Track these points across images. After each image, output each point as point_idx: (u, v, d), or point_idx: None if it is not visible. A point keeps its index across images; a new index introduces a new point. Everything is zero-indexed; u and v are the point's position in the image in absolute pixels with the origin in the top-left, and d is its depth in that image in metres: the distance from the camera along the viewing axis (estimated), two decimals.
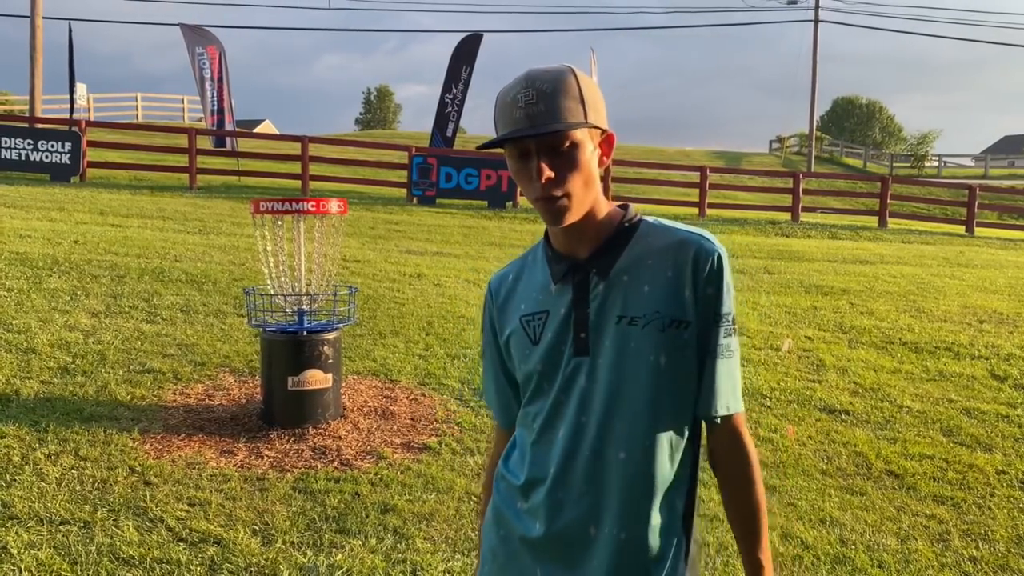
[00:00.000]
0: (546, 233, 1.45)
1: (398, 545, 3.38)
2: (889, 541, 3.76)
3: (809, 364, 6.96)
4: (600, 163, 1.37)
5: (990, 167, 38.32)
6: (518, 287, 1.48)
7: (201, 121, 27.96)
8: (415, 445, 4.48)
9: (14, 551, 3.06)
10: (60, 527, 3.28)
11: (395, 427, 4.71)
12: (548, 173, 1.30)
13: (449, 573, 3.16)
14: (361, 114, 73.73)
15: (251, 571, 3.08)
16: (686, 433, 1.38)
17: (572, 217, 1.33)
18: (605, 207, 1.40)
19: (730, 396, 1.37)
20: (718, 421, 1.38)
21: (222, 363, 5.51)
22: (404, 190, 16.72)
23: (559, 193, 1.31)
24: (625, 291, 1.36)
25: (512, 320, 1.46)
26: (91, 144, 16.33)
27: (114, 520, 3.38)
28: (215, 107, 18.20)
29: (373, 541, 3.39)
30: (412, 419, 4.86)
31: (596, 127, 1.34)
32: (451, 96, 17.65)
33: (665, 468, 1.35)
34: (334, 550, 3.29)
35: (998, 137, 70.06)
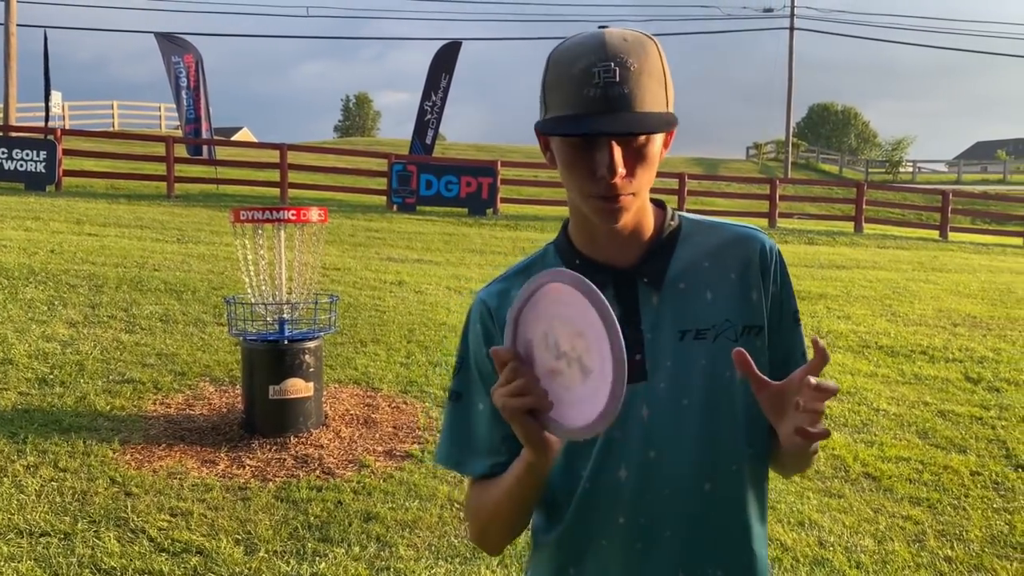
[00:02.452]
0: (566, 238, 1.23)
1: (381, 553, 3.39)
2: (867, 542, 3.82)
3: None
4: (662, 156, 1.17)
5: (963, 172, 38.87)
6: None
7: (178, 128, 27.80)
8: (397, 453, 4.49)
9: None
10: (40, 539, 3.26)
11: (377, 435, 4.71)
12: (623, 170, 1.09)
13: None
14: (340, 121, 73.60)
15: None
16: (767, 447, 1.19)
17: (630, 218, 1.15)
18: (649, 207, 1.21)
19: None
20: None
21: (202, 373, 5.49)
22: (384, 197, 16.70)
23: (629, 191, 1.11)
24: (684, 301, 1.17)
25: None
26: (67, 152, 16.18)
27: (95, 531, 3.36)
28: (192, 116, 18.10)
29: (356, 549, 3.39)
30: (394, 427, 4.86)
31: (675, 117, 1.14)
32: (430, 104, 17.67)
33: (754, 493, 1.20)
34: (317, 559, 3.30)
35: (972, 143, 71.05)
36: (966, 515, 4.27)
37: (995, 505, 4.44)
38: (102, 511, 3.54)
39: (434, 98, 17.60)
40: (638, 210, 1.16)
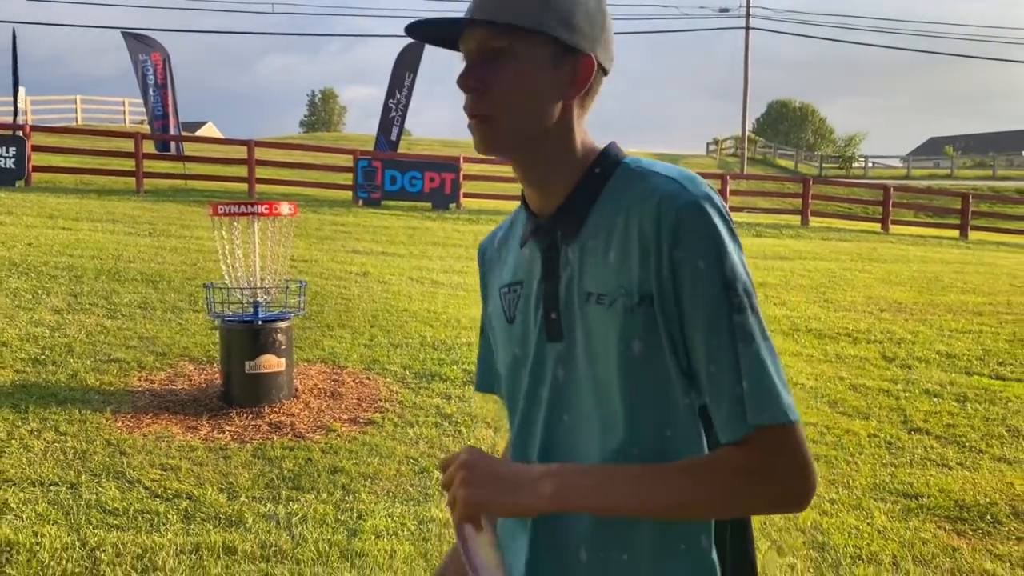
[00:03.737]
0: None
1: (346, 498, 3.95)
2: None
3: None
4: (565, 92, 1.04)
5: (913, 168, 40.16)
6: (503, 250, 1.20)
7: (143, 123, 27.91)
8: (360, 420, 5.05)
9: (14, 506, 3.56)
10: (50, 488, 3.79)
11: (343, 405, 5.27)
12: (471, 83, 1.02)
13: (390, 517, 3.75)
14: (305, 116, 73.52)
15: (220, 519, 3.63)
16: (689, 435, 1.02)
17: (498, 147, 1.04)
18: (579, 149, 1.07)
19: (746, 400, 0.95)
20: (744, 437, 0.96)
21: (182, 353, 6.00)
22: (350, 192, 17.16)
23: (481, 111, 1.03)
24: (591, 260, 1.05)
25: (493, 292, 1.19)
26: (35, 148, 16.42)
27: (97, 482, 3.89)
28: (160, 112, 18.40)
29: (324, 495, 3.96)
30: (358, 399, 5.42)
31: (554, 39, 1.02)
32: (395, 102, 18.16)
33: None
34: (291, 502, 3.85)
35: (926, 138, 72.98)
36: (856, 468, 4.93)
37: (884, 460, 5.11)
38: (101, 466, 4.06)
39: (399, 96, 18.09)
40: (538, 149, 1.06)
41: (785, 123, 60.85)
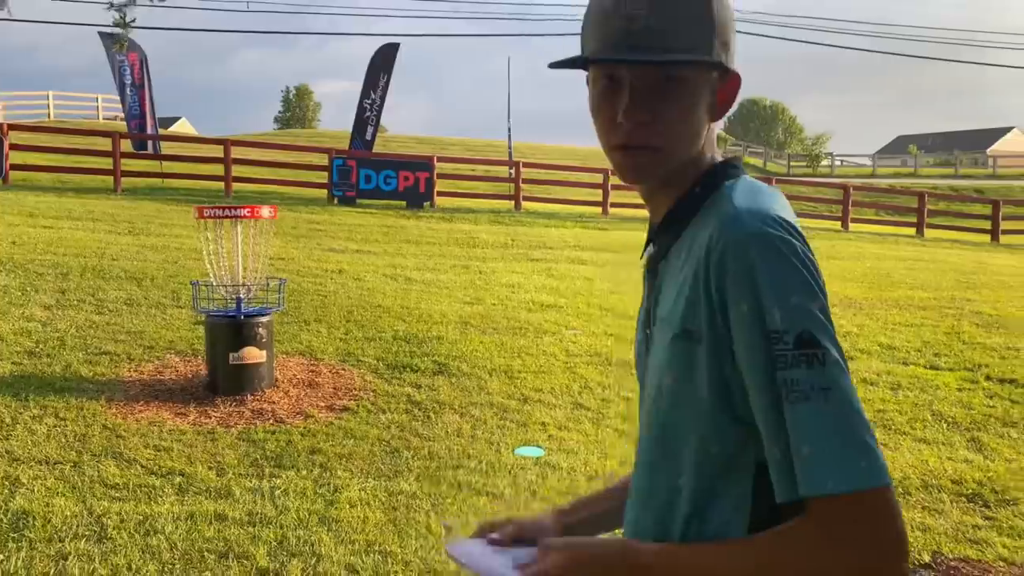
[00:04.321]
0: None
1: (323, 474, 4.39)
2: None
3: None
4: (714, 113, 1.04)
5: (879, 166, 41.14)
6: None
7: (117, 119, 28.00)
8: (337, 407, 5.48)
9: (25, 481, 3.97)
10: (55, 466, 4.19)
11: (320, 394, 5.70)
12: (641, 115, 0.99)
13: (363, 490, 4.19)
14: (280, 112, 73.41)
15: (211, 492, 4.06)
16: (710, 495, 0.99)
17: (655, 175, 1.03)
18: (698, 167, 1.05)
19: (805, 466, 0.88)
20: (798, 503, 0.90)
21: (168, 347, 6.40)
22: (325, 191, 17.51)
23: (649, 142, 1.00)
24: (668, 282, 1.04)
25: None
26: (12, 147, 16.61)
27: (97, 461, 4.30)
28: (137, 112, 18.63)
29: (304, 472, 4.40)
30: (334, 388, 5.86)
31: (719, 64, 1.02)
32: (370, 102, 18.53)
33: (676, 522, 1.02)
34: (274, 478, 4.29)
35: (894, 137, 74.39)
36: None
37: None
38: (100, 447, 4.47)
39: (373, 96, 18.46)
40: (672, 169, 1.03)
41: (756, 121, 61.84)
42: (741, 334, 0.91)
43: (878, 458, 0.87)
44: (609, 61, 1.00)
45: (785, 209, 0.99)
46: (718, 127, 1.12)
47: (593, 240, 15.30)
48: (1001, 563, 3.91)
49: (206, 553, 3.39)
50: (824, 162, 39.13)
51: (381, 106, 18.62)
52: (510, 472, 4.55)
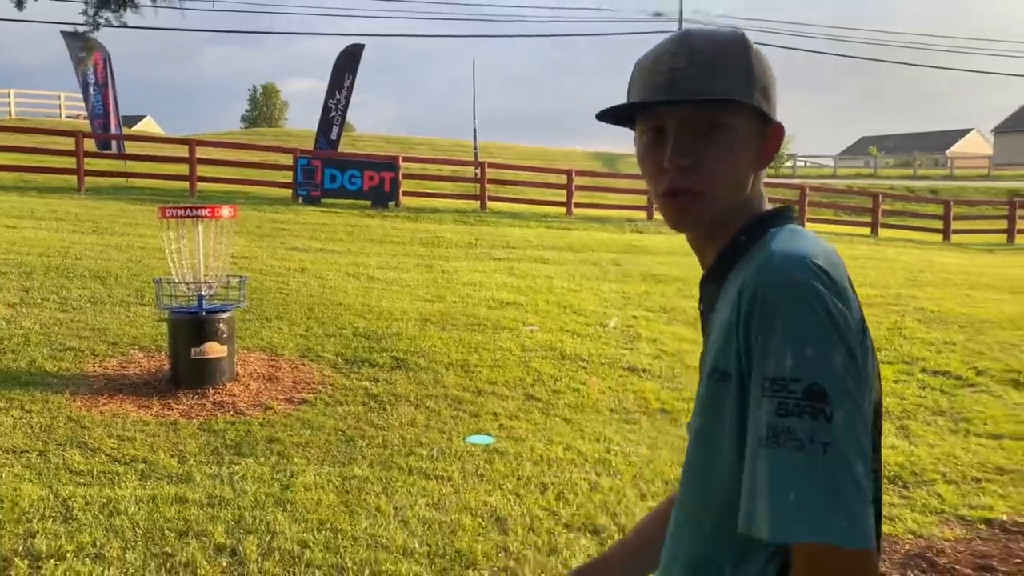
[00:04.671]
0: None
1: (280, 461, 4.62)
2: (642, 450, 5.25)
3: (628, 337, 8.51)
4: (759, 161, 1.08)
5: (841, 167, 41.97)
6: None
7: (80, 117, 27.80)
8: (295, 399, 5.70)
9: None
10: (22, 455, 4.38)
11: (279, 387, 5.92)
12: (684, 160, 1.03)
13: (318, 475, 4.43)
14: (247, 111, 72.94)
15: (172, 477, 4.27)
16: (734, 544, 0.98)
17: (700, 223, 1.06)
18: (745, 215, 1.08)
19: (771, 510, 0.88)
20: (763, 544, 0.94)
21: (131, 343, 6.57)
22: (290, 191, 17.63)
23: (693, 188, 1.04)
24: (709, 326, 1.08)
25: None
26: None
27: (62, 450, 4.49)
28: (100, 111, 18.60)
29: (262, 459, 4.62)
30: (293, 382, 6.07)
31: (761, 110, 1.06)
32: (335, 102, 18.68)
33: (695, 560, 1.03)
34: (233, 465, 4.51)
35: (857, 138, 75.73)
36: None
37: None
38: (65, 437, 4.66)
39: (338, 96, 18.61)
40: (717, 217, 1.06)
41: None
42: (755, 376, 0.91)
43: (863, 524, 0.86)
44: (651, 105, 1.04)
45: (826, 257, 0.96)
46: (763, 177, 1.12)
47: (556, 240, 15.59)
48: (909, 535, 4.25)
49: (167, 531, 3.61)
50: (787, 163, 39.82)
51: (346, 106, 18.78)
52: (459, 458, 4.81)
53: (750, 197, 1.08)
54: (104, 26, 9.21)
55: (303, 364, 6.48)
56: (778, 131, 1.10)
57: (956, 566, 3.86)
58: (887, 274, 13.73)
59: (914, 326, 9.52)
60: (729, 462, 0.97)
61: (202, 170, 17.53)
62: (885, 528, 4.33)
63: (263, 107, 72.00)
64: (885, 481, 5.08)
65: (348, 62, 18.63)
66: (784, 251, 0.96)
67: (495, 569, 3.47)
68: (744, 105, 1.04)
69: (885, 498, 4.80)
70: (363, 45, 18.75)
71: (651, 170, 1.07)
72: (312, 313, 7.98)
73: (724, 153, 1.04)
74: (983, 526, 4.42)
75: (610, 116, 1.10)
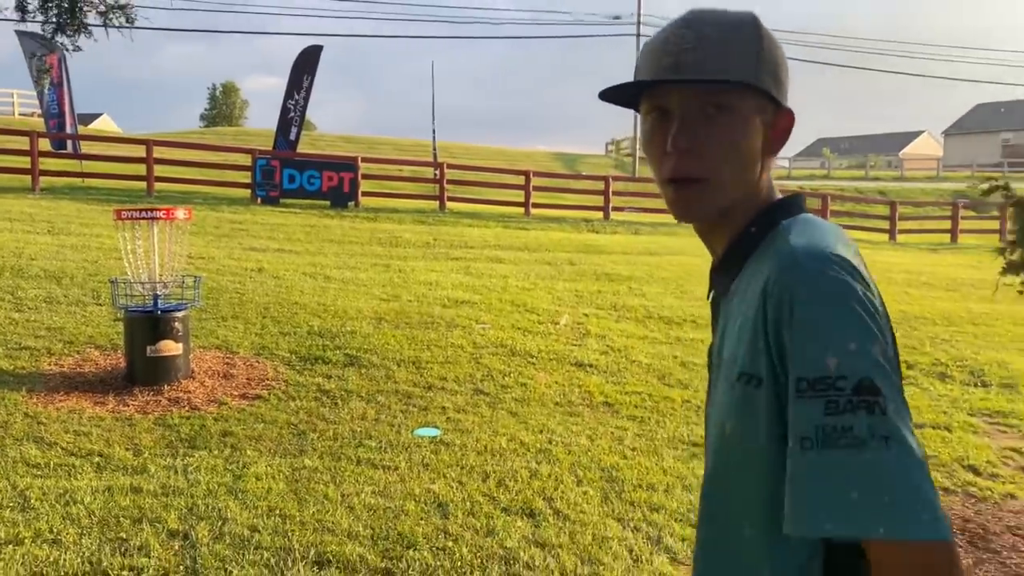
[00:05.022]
0: None
1: (234, 454, 4.81)
2: (582, 440, 5.53)
3: (578, 333, 8.79)
4: (768, 148, 1.04)
5: (797, 168, 42.85)
6: None
7: (34, 115, 27.43)
8: (249, 395, 5.89)
9: None
10: None
11: (234, 384, 6.09)
12: (686, 142, 1.00)
13: (269, 466, 4.63)
14: (206, 110, 72.20)
15: (127, 469, 4.44)
16: (775, 546, 0.94)
17: (705, 212, 1.03)
18: (754, 204, 1.04)
19: (813, 508, 0.85)
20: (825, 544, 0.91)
21: (88, 341, 6.69)
22: (248, 191, 17.67)
23: (695, 173, 1.00)
24: (730, 323, 1.02)
25: None
26: None
27: (19, 445, 4.63)
28: (56, 111, 18.46)
29: (216, 452, 4.81)
30: (248, 378, 6.25)
31: (768, 94, 1.02)
32: (293, 102, 18.75)
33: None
34: (187, 457, 4.69)
35: (814, 139, 77.17)
36: (663, 425, 6.05)
37: (689, 420, 6.25)
38: (22, 433, 4.80)
39: (297, 97, 18.69)
40: (724, 207, 1.02)
41: None
42: (792, 378, 0.87)
43: (940, 514, 0.82)
44: (656, 84, 1.02)
45: (844, 246, 0.94)
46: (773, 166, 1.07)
47: (513, 240, 15.86)
48: None
49: (121, 519, 3.79)
50: None
51: (305, 107, 18.86)
52: (406, 450, 5.04)
53: (758, 186, 1.04)
54: (61, 48, 9.31)
55: (258, 361, 6.66)
56: (788, 117, 1.05)
57: None
58: None
59: None
60: (770, 465, 0.92)
61: (160, 170, 17.50)
62: None
63: (223, 106, 71.33)
64: None
65: (306, 63, 18.72)
66: (804, 246, 0.92)
67: (434, 549, 3.71)
68: (751, 88, 1.01)
69: None
70: (322, 46, 18.85)
71: (655, 153, 1.04)
72: (268, 312, 8.15)
73: (729, 137, 1.00)
74: None
75: (615, 96, 1.07)
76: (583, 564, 3.68)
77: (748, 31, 1.02)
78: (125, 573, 3.31)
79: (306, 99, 18.77)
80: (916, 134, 69.65)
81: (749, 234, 1.02)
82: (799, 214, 1.02)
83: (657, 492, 4.71)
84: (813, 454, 0.85)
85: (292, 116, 18.92)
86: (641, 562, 3.77)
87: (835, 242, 0.94)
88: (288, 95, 18.79)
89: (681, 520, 4.31)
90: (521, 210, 19.37)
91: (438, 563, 3.58)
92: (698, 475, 5.12)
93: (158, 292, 5.99)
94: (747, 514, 0.97)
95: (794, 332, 0.88)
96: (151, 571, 3.34)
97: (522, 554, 3.72)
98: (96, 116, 53.34)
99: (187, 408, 5.52)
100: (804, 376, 0.86)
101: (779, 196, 1.07)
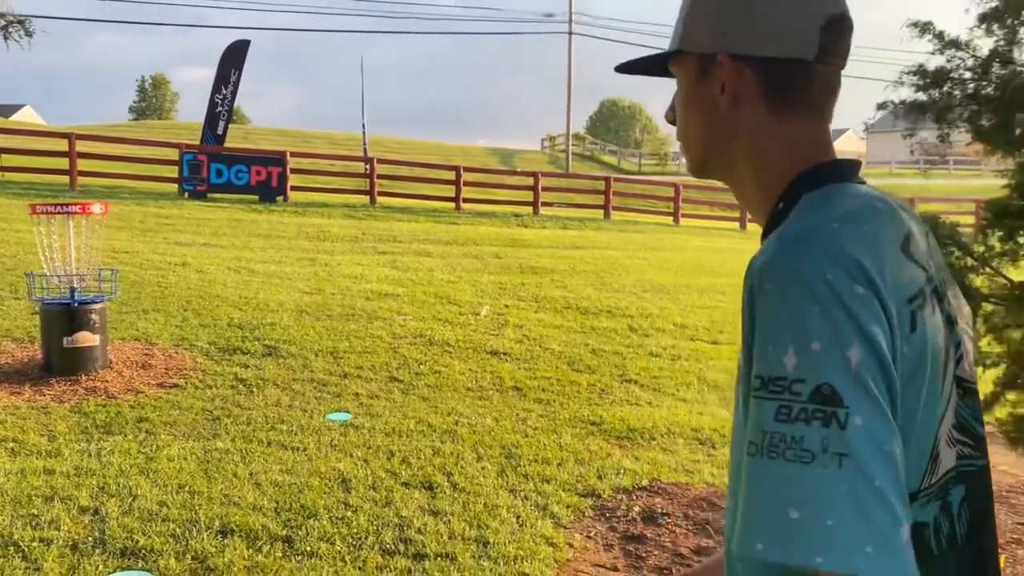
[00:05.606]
0: None
1: (148, 438, 5.01)
2: (488, 421, 5.87)
3: (496, 324, 9.13)
4: (720, 104, 0.94)
5: None
6: None
7: None
8: (167, 384, 6.07)
9: None
10: None
11: (152, 374, 6.26)
12: (667, 113, 1.03)
13: (182, 448, 4.85)
14: (135, 102, 70.53)
15: (42, 453, 4.62)
16: None
17: (694, 172, 1.01)
18: (775, 172, 0.93)
19: (748, 523, 0.77)
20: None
21: (4, 334, 6.76)
22: (176, 185, 17.56)
23: (678, 138, 1.01)
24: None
25: None
26: None
27: None
28: None
29: (130, 436, 5.00)
30: (166, 368, 6.43)
31: (696, 53, 0.95)
32: (221, 97, 18.68)
33: None
34: (102, 442, 4.88)
35: None
36: (565, 407, 6.43)
37: (592, 402, 6.64)
38: None
39: (224, 92, 18.62)
40: (728, 174, 0.97)
41: (615, 120, 64.46)
42: (753, 373, 0.79)
43: (893, 555, 0.72)
44: (628, 68, 1.06)
45: (853, 229, 0.83)
46: (785, 124, 0.92)
47: (443, 234, 16.12)
48: (703, 484, 4.99)
49: (34, 497, 3.98)
50: (673, 160, 41.53)
51: (232, 101, 18.81)
52: (316, 433, 5.31)
53: (766, 149, 0.93)
54: None
55: (176, 352, 6.83)
56: (724, 65, 0.92)
57: None
58: (744, 265, 14.81)
59: None
60: None
61: (86, 164, 17.27)
62: (684, 480, 5.06)
63: (152, 98, 69.77)
64: (696, 443, 5.83)
65: (234, 57, 18.66)
66: (795, 231, 0.83)
67: (334, 518, 4.01)
68: (683, 53, 0.96)
69: (692, 456, 5.54)
70: (249, 41, 18.83)
71: None
72: (189, 305, 8.29)
73: (686, 105, 0.98)
74: None
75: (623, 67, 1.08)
76: (471, 528, 4.02)
77: None
78: (35, 544, 3.52)
79: (234, 93, 18.72)
80: (841, 131, 71.91)
81: (777, 211, 0.92)
82: (829, 184, 0.90)
83: (551, 466, 5.07)
84: (756, 462, 0.76)
85: (220, 111, 18.84)
86: (526, 526, 4.12)
87: (835, 223, 0.83)
88: (215, 89, 18.71)
89: (569, 490, 4.68)
90: (452, 205, 19.64)
91: (336, 530, 3.87)
92: (591, 449, 5.51)
93: (74, 285, 6.13)
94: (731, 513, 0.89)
95: (760, 325, 0.79)
96: (60, 542, 3.56)
97: (415, 521, 4.03)
98: (18, 108, 51.77)
99: (104, 397, 5.69)
100: (760, 373, 0.78)
101: (819, 163, 0.92)
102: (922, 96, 3.59)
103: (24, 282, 8.02)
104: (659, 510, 4.48)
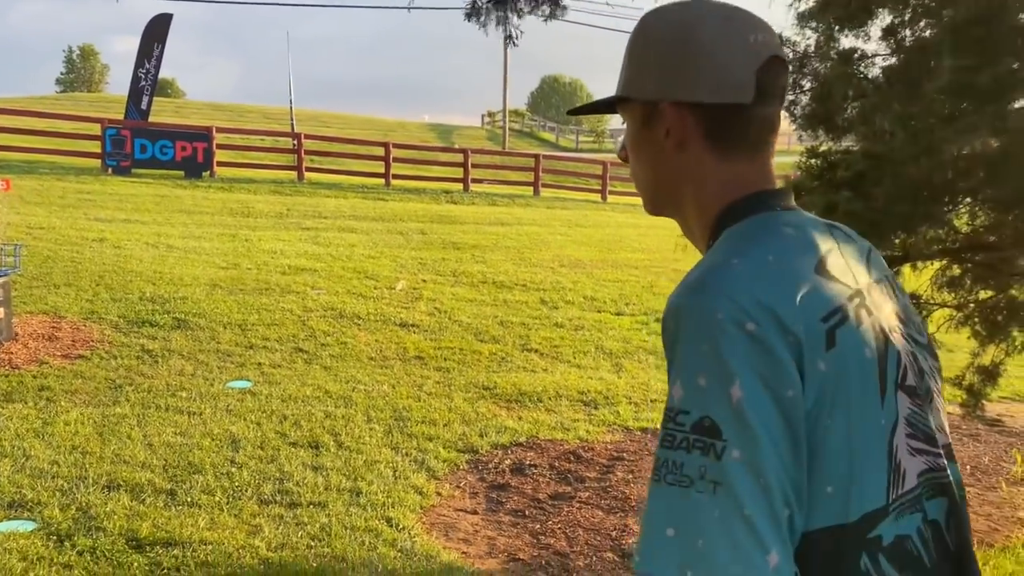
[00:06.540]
0: None
1: (48, 405, 5.22)
2: (384, 388, 6.19)
3: (411, 297, 9.44)
4: (665, 148, 0.97)
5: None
6: None
7: None
8: (72, 355, 6.25)
9: None
10: None
11: (58, 346, 6.43)
12: (620, 152, 1.06)
13: (81, 414, 5.07)
14: (63, 74, 68.35)
15: None
16: None
17: (648, 210, 1.04)
18: (708, 209, 0.96)
19: (639, 540, 0.82)
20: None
21: None
22: (99, 161, 17.37)
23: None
24: None
25: None
26: None
27: None
28: None
29: (31, 403, 5.20)
30: (73, 341, 6.59)
31: (641, 101, 0.98)
32: (144, 71, 18.46)
33: None
34: (1, 409, 5.07)
35: None
36: (464, 374, 6.78)
37: (491, 369, 7.00)
38: None
39: (148, 66, 18.40)
40: (678, 216, 1.00)
41: (556, 97, 64.81)
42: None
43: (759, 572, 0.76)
44: (580, 111, 1.11)
45: (759, 267, 0.86)
46: (724, 164, 0.95)
47: (369, 210, 16.29)
48: (576, 440, 5.40)
49: None
50: (609, 137, 42.08)
51: (156, 75, 18.61)
52: (214, 399, 5.57)
53: (701, 190, 0.96)
54: None
55: (84, 325, 6.99)
56: (668, 112, 0.95)
57: (596, 457, 5.04)
58: (664, 241, 15.14)
59: (666, 284, 10.93)
60: None
61: (6, 139, 16.95)
62: (559, 436, 5.46)
63: (81, 70, 67.69)
64: (580, 404, 6.23)
65: (156, 31, 18.44)
66: (699, 271, 0.87)
67: (218, 473, 4.30)
68: (628, 100, 1.00)
69: (573, 415, 5.94)
70: (171, 15, 18.62)
71: None
72: (102, 280, 8.41)
73: (633, 148, 1.01)
74: (639, 432, 5.65)
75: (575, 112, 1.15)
76: (348, 480, 4.36)
77: (635, 36, 1.00)
78: None
79: (157, 67, 18.52)
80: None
81: (708, 247, 0.96)
82: (750, 216, 0.93)
83: (437, 426, 5.43)
84: (650, 484, 0.82)
85: (143, 85, 18.63)
86: (400, 479, 4.47)
87: (741, 258, 0.86)
88: (139, 64, 18.48)
89: (449, 447, 5.05)
90: (382, 181, 19.78)
91: (218, 484, 4.17)
92: (479, 411, 5.88)
93: None
94: None
95: (667, 357, 0.86)
96: None
97: (296, 475, 4.36)
98: None
99: (7, 367, 5.85)
100: (667, 403, 0.84)
101: (743, 196, 0.95)
102: None
103: None
104: (528, 463, 4.88)
